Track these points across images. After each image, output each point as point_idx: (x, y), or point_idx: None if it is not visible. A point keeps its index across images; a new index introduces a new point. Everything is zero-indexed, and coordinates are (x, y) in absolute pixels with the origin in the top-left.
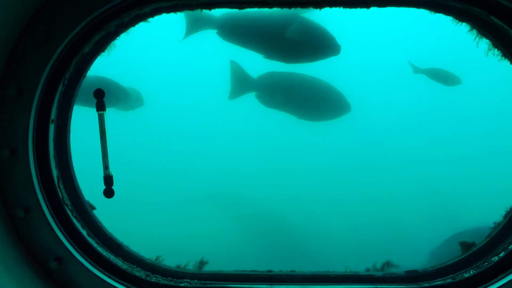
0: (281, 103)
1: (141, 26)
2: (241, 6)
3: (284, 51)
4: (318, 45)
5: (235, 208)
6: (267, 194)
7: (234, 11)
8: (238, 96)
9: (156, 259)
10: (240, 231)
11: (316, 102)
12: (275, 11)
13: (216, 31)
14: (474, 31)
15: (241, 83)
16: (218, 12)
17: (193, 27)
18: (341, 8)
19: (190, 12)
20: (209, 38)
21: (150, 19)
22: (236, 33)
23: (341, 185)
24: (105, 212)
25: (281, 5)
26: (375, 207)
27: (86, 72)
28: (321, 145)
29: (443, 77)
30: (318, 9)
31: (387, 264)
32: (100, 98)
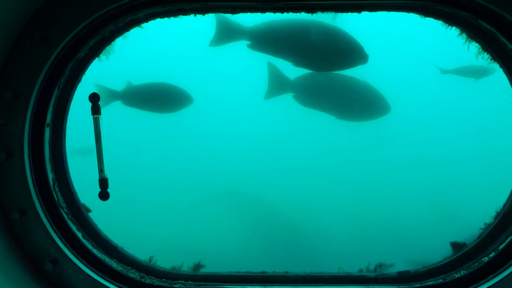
0: (320, 103)
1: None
2: (234, 11)
3: (312, 60)
4: (346, 54)
5: (251, 208)
6: (282, 194)
7: (264, 20)
8: (274, 96)
9: (150, 260)
10: (261, 233)
11: (357, 102)
12: (305, 19)
13: (248, 43)
14: (464, 35)
15: (278, 83)
16: (247, 23)
17: (223, 37)
18: (333, 12)
19: (221, 20)
20: (239, 46)
21: (144, 24)
22: (265, 42)
23: (371, 186)
24: (101, 215)
25: (274, 10)
26: (404, 208)
27: (82, 77)
28: (357, 145)
29: (473, 72)
30: (310, 14)
31: (380, 265)
32: (95, 102)
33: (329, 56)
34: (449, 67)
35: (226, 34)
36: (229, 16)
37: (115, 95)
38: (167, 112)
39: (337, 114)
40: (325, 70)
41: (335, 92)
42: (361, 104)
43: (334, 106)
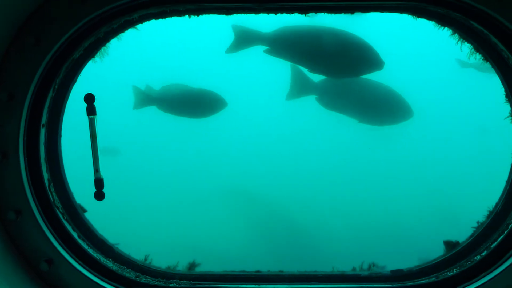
0: (343, 106)
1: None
2: (228, 12)
3: (328, 66)
4: (362, 61)
5: (259, 208)
6: (292, 195)
7: (280, 26)
8: (296, 97)
9: (145, 259)
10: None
11: (379, 107)
12: (321, 25)
13: (266, 48)
14: (456, 36)
15: (302, 85)
16: (265, 28)
17: (240, 43)
18: (326, 13)
19: (238, 27)
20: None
21: (139, 25)
22: (283, 47)
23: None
24: (97, 215)
25: (267, 11)
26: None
27: (77, 78)
28: (367, 148)
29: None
30: (304, 15)
31: (373, 264)
32: (91, 102)
33: (344, 63)
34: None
35: (244, 40)
36: (246, 21)
37: (150, 100)
38: (202, 117)
39: (360, 118)
40: (341, 77)
41: (358, 96)
42: (384, 108)
43: (357, 110)
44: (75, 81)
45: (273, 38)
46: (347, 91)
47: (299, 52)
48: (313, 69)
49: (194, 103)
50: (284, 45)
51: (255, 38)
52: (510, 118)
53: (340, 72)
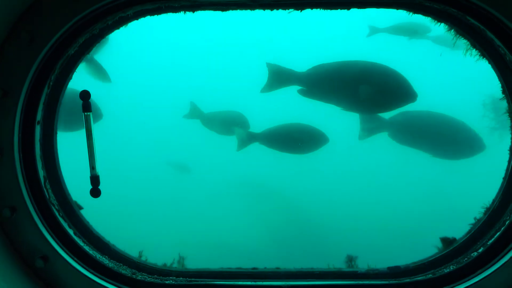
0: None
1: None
2: (223, 8)
3: (361, 103)
4: (396, 95)
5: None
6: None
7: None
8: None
9: (140, 255)
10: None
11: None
12: (353, 61)
13: (300, 88)
14: (453, 31)
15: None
16: (298, 68)
17: (275, 84)
18: (322, 9)
19: (272, 67)
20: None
21: (134, 22)
22: (315, 87)
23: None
24: (94, 212)
25: (263, 7)
26: None
27: (72, 74)
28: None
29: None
30: (299, 11)
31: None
32: (86, 99)
33: (379, 99)
34: None
35: (278, 81)
36: (281, 60)
37: (252, 137)
38: (304, 153)
39: (431, 152)
40: (376, 112)
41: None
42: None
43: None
44: (70, 78)
45: (307, 78)
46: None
47: (331, 91)
48: (347, 108)
49: (295, 139)
50: (318, 85)
51: (290, 78)
52: (507, 114)
53: (374, 108)
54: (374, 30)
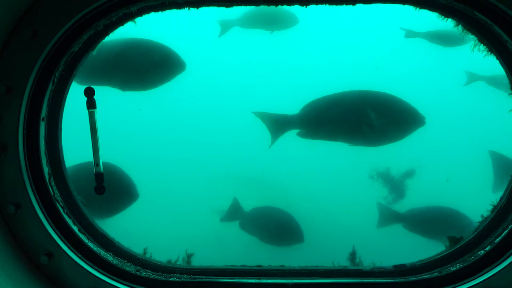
0: None
1: None
2: (228, 4)
3: (369, 136)
4: (404, 122)
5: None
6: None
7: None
8: None
9: (144, 252)
10: None
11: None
12: (354, 92)
13: (299, 131)
14: (460, 27)
15: None
16: (296, 110)
17: (277, 132)
18: (327, 5)
19: (269, 117)
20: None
21: (138, 18)
22: (316, 127)
23: None
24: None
25: (267, 2)
26: None
27: (77, 71)
28: None
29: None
30: (304, 7)
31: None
32: (91, 96)
33: (387, 129)
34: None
35: (277, 129)
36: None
37: (398, 217)
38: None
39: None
40: (384, 143)
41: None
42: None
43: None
44: (75, 75)
45: (302, 118)
46: None
47: (334, 128)
48: (353, 142)
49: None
50: (317, 123)
51: (287, 123)
52: None
53: (381, 139)
54: (410, 34)
